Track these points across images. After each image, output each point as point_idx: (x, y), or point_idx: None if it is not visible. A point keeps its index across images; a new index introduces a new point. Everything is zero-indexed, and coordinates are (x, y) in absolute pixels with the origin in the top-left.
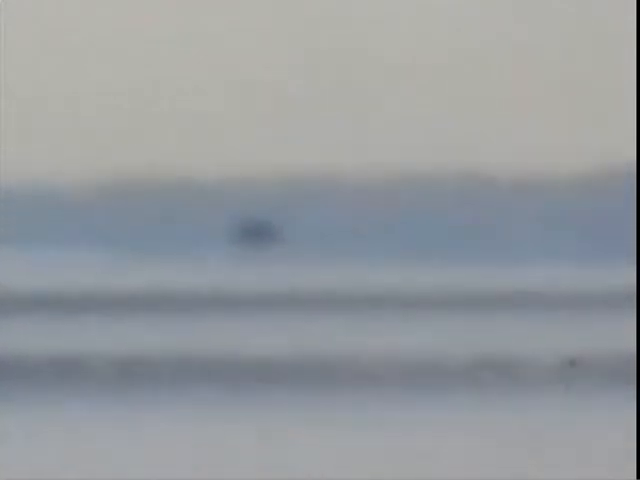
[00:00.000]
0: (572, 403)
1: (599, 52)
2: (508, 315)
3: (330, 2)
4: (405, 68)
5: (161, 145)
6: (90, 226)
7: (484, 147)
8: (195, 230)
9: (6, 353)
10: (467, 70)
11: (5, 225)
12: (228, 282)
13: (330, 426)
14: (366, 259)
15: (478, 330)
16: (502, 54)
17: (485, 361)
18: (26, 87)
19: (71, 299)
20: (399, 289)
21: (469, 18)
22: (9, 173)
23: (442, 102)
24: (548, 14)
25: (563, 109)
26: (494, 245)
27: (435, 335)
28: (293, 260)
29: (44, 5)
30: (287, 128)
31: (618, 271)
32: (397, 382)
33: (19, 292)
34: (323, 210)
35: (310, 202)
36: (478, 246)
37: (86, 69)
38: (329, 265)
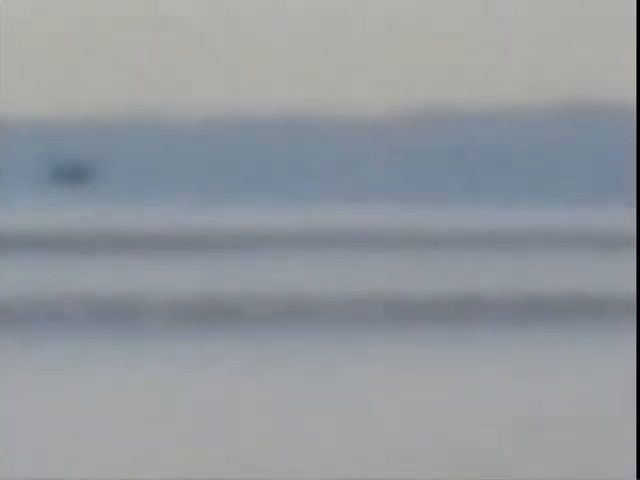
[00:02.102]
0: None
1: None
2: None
3: None
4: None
5: None
6: None
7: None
8: (8, 171)
9: None
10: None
11: None
12: (43, 223)
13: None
14: (183, 200)
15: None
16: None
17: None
18: None
19: None
20: (224, 229)
21: None
22: None
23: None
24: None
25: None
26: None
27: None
28: (108, 200)
29: None
30: (104, 66)
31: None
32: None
33: None
34: (138, 150)
35: (125, 142)
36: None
37: None
38: (145, 205)
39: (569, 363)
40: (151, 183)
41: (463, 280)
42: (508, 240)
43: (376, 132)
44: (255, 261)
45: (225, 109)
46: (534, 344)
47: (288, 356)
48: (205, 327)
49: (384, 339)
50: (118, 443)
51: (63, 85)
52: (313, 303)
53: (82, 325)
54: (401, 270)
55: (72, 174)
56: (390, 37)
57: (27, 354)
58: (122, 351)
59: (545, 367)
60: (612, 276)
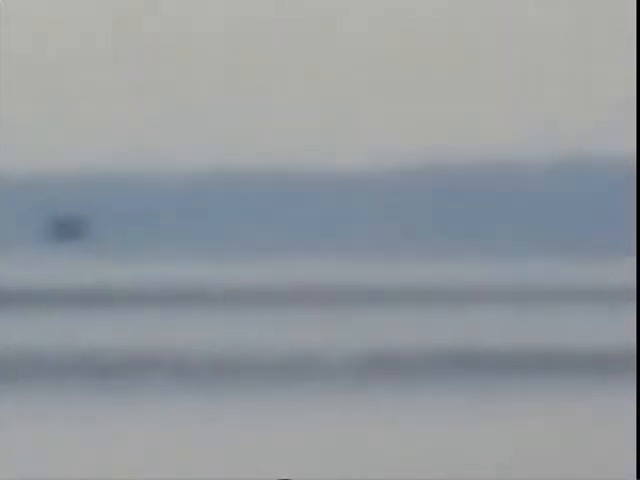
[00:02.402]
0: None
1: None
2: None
3: None
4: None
5: None
6: None
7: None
8: (3, 226)
9: None
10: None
11: None
12: (40, 277)
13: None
14: (179, 254)
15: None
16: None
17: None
18: None
19: None
20: (218, 284)
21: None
22: None
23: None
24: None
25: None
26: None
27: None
28: (104, 255)
29: None
30: (94, 125)
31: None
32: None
33: None
34: (133, 205)
35: (120, 197)
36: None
37: None
38: (141, 260)
39: (568, 416)
40: (147, 237)
41: (460, 334)
42: (506, 294)
43: (367, 183)
44: (256, 317)
45: (216, 162)
46: (532, 398)
47: (286, 415)
48: (206, 383)
49: (379, 396)
50: None
51: (59, 141)
52: (306, 360)
53: (82, 381)
54: (397, 325)
55: (68, 228)
56: (381, 85)
57: (24, 410)
58: (122, 408)
59: (544, 420)
60: (612, 329)
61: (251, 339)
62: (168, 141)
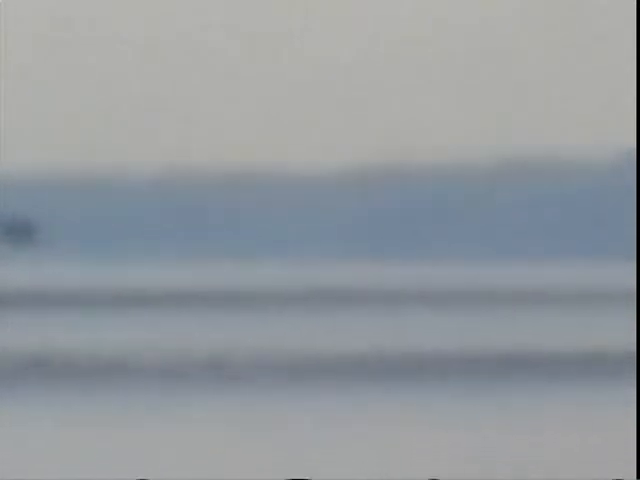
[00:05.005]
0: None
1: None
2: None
3: None
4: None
5: None
6: None
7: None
8: None
9: None
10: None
11: None
12: None
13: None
14: (127, 257)
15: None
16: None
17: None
18: None
19: None
20: (184, 286)
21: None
22: None
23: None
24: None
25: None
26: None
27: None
28: (54, 258)
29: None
30: (48, 127)
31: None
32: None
33: None
34: (84, 208)
35: (70, 200)
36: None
37: None
38: (91, 264)
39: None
40: (99, 239)
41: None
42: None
43: (328, 189)
44: (203, 318)
45: (174, 167)
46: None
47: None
48: (153, 382)
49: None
50: None
51: (11, 143)
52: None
53: (37, 383)
54: (363, 328)
55: (18, 231)
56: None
57: None
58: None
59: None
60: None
61: (193, 338)
62: (126, 140)
